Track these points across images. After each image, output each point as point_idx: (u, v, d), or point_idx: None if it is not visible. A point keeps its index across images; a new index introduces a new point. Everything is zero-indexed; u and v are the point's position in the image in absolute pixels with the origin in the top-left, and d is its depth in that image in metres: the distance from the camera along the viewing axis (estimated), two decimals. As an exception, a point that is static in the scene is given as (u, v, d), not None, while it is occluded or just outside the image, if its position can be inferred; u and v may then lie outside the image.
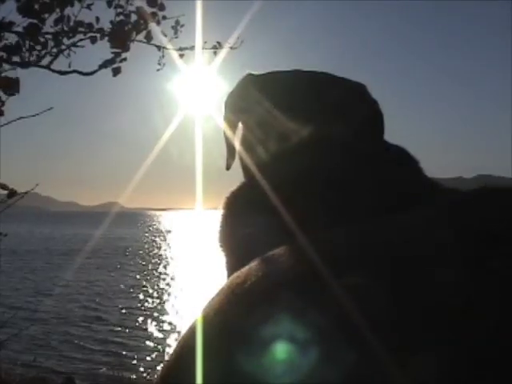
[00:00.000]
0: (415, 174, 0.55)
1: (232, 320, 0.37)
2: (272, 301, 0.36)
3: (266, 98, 0.64)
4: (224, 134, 0.71)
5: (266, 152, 0.62)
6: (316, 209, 0.52)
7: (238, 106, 0.68)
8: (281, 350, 0.34)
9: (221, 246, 0.60)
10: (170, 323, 12.05)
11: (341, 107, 0.62)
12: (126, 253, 29.97)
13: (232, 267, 0.55)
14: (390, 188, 0.51)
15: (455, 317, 0.31)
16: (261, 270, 0.40)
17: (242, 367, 0.34)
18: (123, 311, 13.40)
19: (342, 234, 0.43)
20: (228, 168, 0.71)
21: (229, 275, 0.55)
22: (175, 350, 0.41)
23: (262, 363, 0.33)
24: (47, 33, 2.37)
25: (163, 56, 2.67)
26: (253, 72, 0.70)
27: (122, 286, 17.56)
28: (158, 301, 14.91)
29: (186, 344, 0.40)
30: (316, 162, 0.56)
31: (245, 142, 0.67)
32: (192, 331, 0.40)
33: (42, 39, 2.37)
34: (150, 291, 16.58)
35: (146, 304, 14.44)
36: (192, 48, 2.60)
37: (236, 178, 0.67)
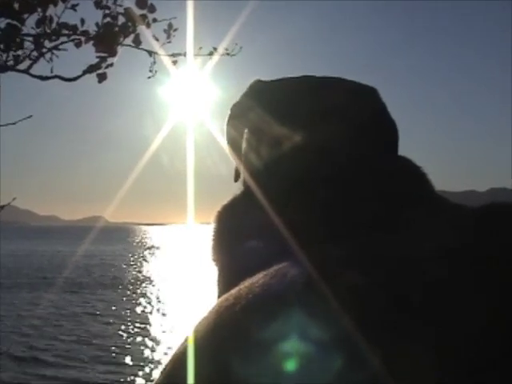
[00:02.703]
0: (408, 186, 0.55)
1: (221, 342, 0.38)
2: (263, 321, 0.36)
3: (259, 105, 0.65)
4: (229, 151, 0.71)
5: (259, 160, 0.63)
6: (311, 220, 0.53)
7: (242, 113, 0.67)
8: (274, 367, 0.34)
9: (213, 261, 0.61)
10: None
11: (340, 112, 0.61)
12: (89, 270, 29.10)
13: (224, 285, 0.56)
14: (377, 200, 0.52)
15: (454, 316, 0.33)
16: (251, 292, 0.40)
17: None
18: (62, 340, 12.58)
19: (338, 249, 0.44)
20: (236, 180, 0.71)
21: (220, 293, 0.56)
22: (165, 372, 0.42)
23: None
24: (27, 34, 2.35)
25: (155, 62, 2.63)
26: (260, 78, 0.69)
27: (75, 310, 16.82)
28: (119, 327, 14.10)
29: (177, 365, 0.41)
30: (309, 171, 0.57)
31: (246, 153, 0.67)
32: (182, 352, 0.40)
33: (17, 39, 2.33)
34: (107, 313, 15.98)
35: (95, 331, 13.57)
36: (186, 54, 2.57)
37: (230, 190, 0.67)
